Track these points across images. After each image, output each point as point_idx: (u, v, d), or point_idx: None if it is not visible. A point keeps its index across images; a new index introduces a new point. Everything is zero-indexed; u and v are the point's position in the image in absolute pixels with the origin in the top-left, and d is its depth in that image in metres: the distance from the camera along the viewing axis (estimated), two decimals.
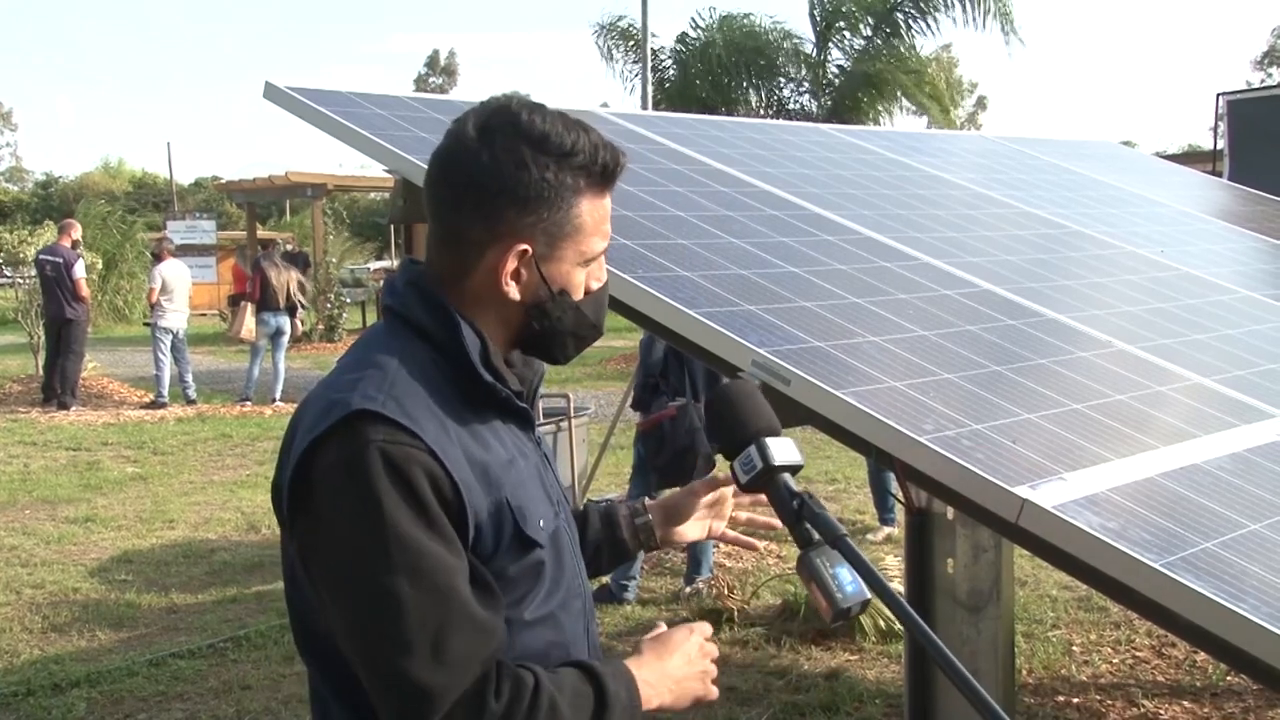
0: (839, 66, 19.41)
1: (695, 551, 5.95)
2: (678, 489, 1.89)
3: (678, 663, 1.55)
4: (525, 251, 1.45)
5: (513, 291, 1.46)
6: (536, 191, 1.43)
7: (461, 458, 1.38)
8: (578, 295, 1.50)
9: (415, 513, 1.32)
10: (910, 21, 18.97)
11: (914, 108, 19.87)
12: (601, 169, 1.47)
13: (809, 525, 1.39)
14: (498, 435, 1.46)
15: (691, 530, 1.85)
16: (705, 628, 1.60)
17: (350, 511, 1.33)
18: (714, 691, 1.58)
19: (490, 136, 1.44)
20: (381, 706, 1.35)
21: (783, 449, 1.44)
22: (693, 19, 20.00)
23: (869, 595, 1.38)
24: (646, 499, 1.86)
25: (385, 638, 1.32)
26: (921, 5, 18.79)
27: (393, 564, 1.31)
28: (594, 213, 1.48)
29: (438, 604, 1.32)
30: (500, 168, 1.43)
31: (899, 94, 19.19)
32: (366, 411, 1.34)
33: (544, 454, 1.59)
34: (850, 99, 18.71)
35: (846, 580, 1.37)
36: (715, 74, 19.20)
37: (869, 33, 19.22)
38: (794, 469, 1.45)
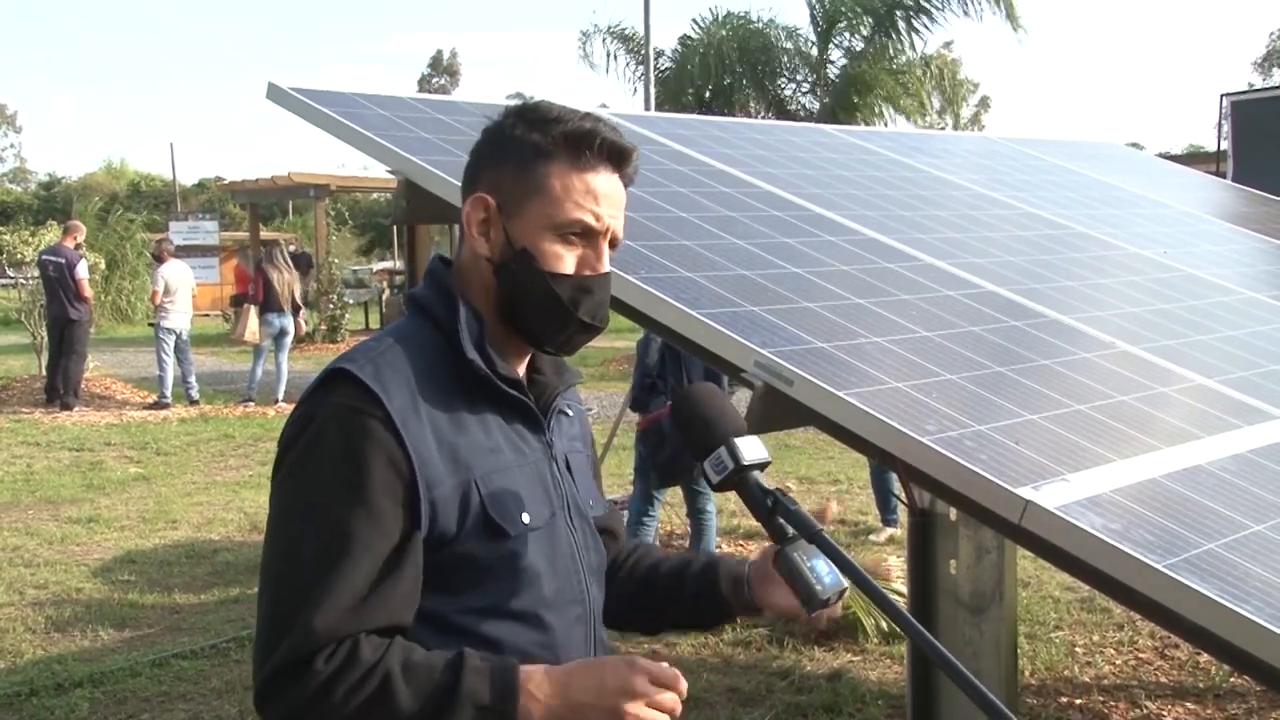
0: (837, 67, 19.44)
1: (701, 551, 5.95)
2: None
3: (583, 686, 1.36)
4: (487, 202, 1.52)
5: (481, 247, 1.52)
6: (504, 146, 1.53)
7: (427, 434, 1.42)
8: (552, 265, 1.49)
9: (346, 478, 1.38)
10: (910, 19, 18.99)
11: (898, 108, 19.87)
12: (570, 132, 1.50)
13: (783, 521, 1.42)
14: (485, 425, 1.48)
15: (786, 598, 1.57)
16: (663, 672, 1.37)
17: (291, 464, 1.42)
18: None
19: (495, 118, 1.58)
20: (256, 639, 1.40)
21: (751, 447, 1.46)
22: (694, 20, 20.04)
23: (846, 584, 1.41)
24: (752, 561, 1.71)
25: (275, 584, 1.39)
26: (922, 3, 18.81)
27: (306, 523, 1.38)
28: (565, 179, 1.50)
29: (328, 573, 1.35)
30: (485, 136, 1.56)
31: (881, 94, 19.19)
32: (341, 370, 1.43)
33: (562, 457, 1.59)
34: (844, 99, 18.75)
35: (824, 572, 1.41)
36: (717, 74, 19.22)
37: (868, 33, 19.25)
38: (763, 466, 1.47)
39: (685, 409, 1.50)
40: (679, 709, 1.38)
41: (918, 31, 19.13)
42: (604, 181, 1.52)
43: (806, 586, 1.40)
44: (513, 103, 1.61)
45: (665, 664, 1.38)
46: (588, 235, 1.51)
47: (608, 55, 20.36)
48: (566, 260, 1.50)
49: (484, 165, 1.54)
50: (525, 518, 1.47)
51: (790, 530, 1.42)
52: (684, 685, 1.38)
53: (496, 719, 1.34)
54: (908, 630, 1.30)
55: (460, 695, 1.33)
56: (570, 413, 1.67)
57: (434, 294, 1.54)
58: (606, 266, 1.55)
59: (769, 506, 1.42)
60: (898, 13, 18.94)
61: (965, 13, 18.62)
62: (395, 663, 1.35)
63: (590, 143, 1.50)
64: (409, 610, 1.41)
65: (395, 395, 1.41)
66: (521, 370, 1.58)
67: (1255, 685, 4.42)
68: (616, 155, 1.52)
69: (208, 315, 22.62)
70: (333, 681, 1.33)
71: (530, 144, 1.50)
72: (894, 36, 19.11)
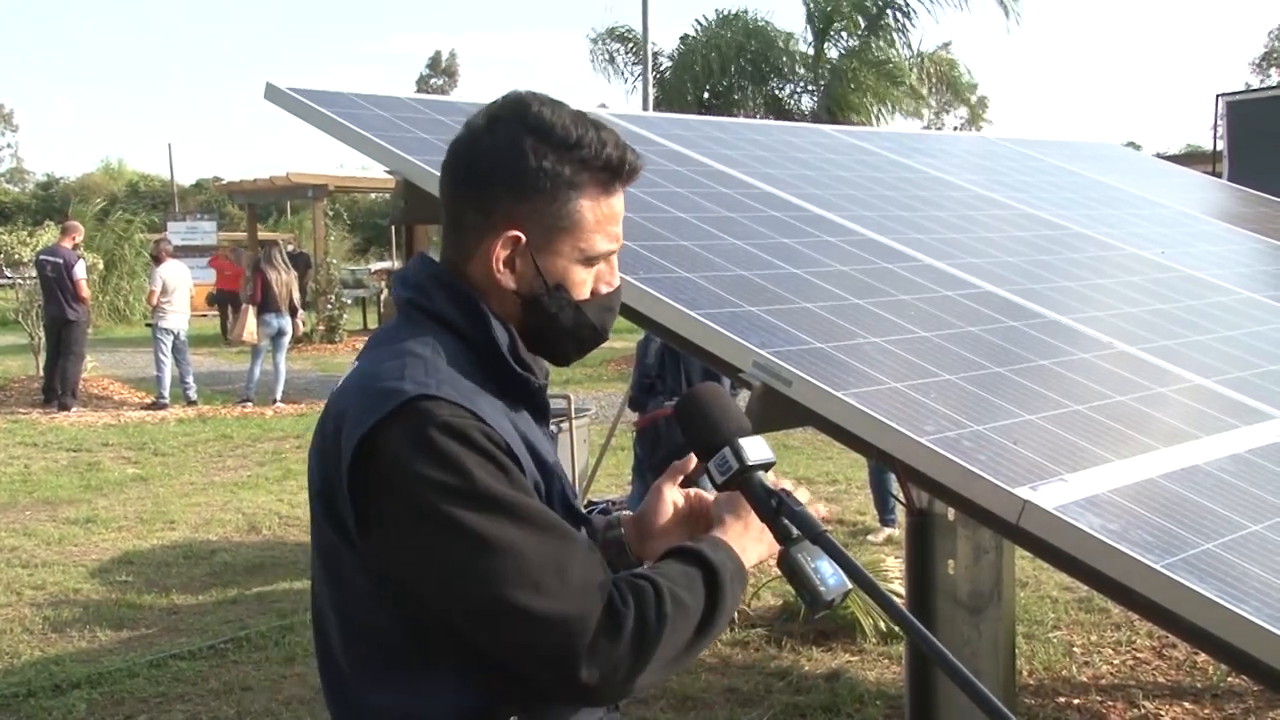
0: (833, 65, 19.46)
1: None
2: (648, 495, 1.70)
3: (741, 518, 1.51)
4: (518, 239, 1.46)
5: (506, 280, 1.47)
6: (532, 180, 1.44)
7: (514, 433, 1.42)
8: (579, 293, 1.50)
9: (496, 468, 1.35)
10: (900, 17, 19.05)
11: (888, 101, 19.87)
12: (604, 164, 1.46)
13: (787, 521, 1.42)
14: (529, 426, 1.50)
15: (670, 540, 1.60)
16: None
17: (436, 481, 1.32)
18: None
19: (495, 124, 1.47)
20: (525, 659, 1.35)
21: (755, 447, 1.46)
22: (696, 20, 20.05)
23: (850, 586, 1.41)
24: (626, 512, 1.76)
25: (512, 585, 1.32)
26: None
27: (495, 515, 1.33)
28: (596, 210, 1.47)
29: (549, 540, 1.35)
30: (498, 154, 1.45)
31: (876, 92, 19.21)
32: (423, 395, 1.35)
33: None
34: (839, 97, 18.77)
35: (828, 573, 1.41)
36: (717, 75, 19.24)
37: (863, 31, 19.28)
38: (768, 466, 1.47)
39: (689, 409, 1.50)
40: None
41: (905, 31, 19.21)
42: (622, 201, 1.52)
43: (811, 588, 1.40)
44: (514, 95, 1.51)
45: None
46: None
47: (608, 55, 20.40)
48: (588, 283, 1.51)
49: (502, 195, 1.45)
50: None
51: (794, 531, 1.41)
52: None
53: (738, 575, 1.46)
54: (912, 633, 1.30)
55: (718, 569, 1.43)
56: None
57: (451, 303, 1.47)
58: (619, 279, 1.56)
59: (773, 507, 1.42)
60: (889, 11, 19.00)
61: (959, 6, 18.71)
62: (655, 577, 1.40)
63: (620, 173, 1.48)
64: None
65: (479, 404, 1.38)
66: None
67: (1253, 685, 4.43)
68: (635, 175, 1.52)
69: (205, 316, 22.57)
70: (642, 615, 1.36)
71: (563, 179, 1.44)
72: (887, 32, 19.16)
